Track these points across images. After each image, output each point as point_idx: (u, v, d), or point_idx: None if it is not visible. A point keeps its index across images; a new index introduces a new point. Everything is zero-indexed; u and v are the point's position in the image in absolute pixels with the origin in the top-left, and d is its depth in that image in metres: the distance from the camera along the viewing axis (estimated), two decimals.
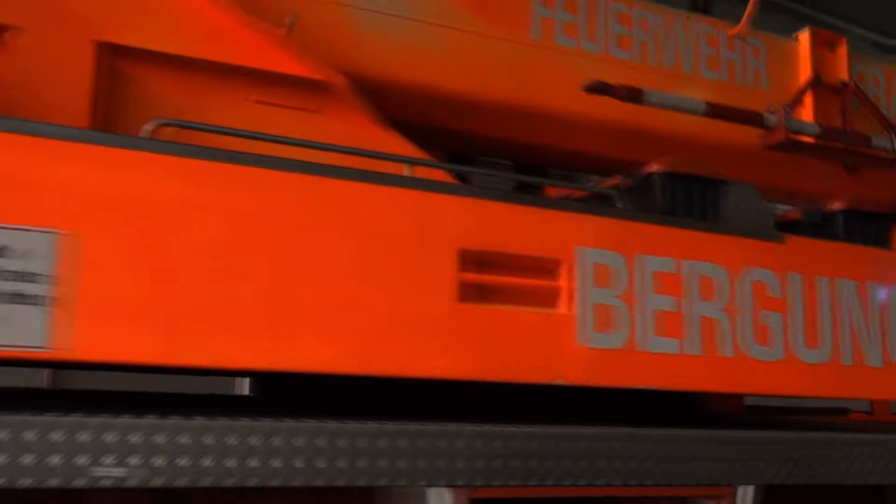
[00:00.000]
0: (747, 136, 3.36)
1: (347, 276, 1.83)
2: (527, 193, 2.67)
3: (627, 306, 2.11)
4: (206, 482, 1.55)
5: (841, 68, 3.68)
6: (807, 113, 3.55)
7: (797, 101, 3.50)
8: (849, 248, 2.51)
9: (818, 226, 2.82)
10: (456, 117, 3.07)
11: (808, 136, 3.36)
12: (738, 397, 3.32)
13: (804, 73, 3.63)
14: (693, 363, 2.17)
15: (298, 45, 2.60)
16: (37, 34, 2.32)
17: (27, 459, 1.43)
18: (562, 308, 2.05)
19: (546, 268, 2.06)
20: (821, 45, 3.68)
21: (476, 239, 1.96)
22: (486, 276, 1.97)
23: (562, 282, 2.05)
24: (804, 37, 3.68)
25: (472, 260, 1.95)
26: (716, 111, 3.16)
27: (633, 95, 2.99)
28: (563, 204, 2.12)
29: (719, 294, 2.24)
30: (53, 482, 1.45)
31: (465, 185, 2.22)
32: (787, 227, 2.99)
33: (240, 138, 2.09)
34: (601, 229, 2.12)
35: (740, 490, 2.13)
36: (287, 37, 2.58)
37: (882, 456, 2.24)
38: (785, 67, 3.63)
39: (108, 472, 1.51)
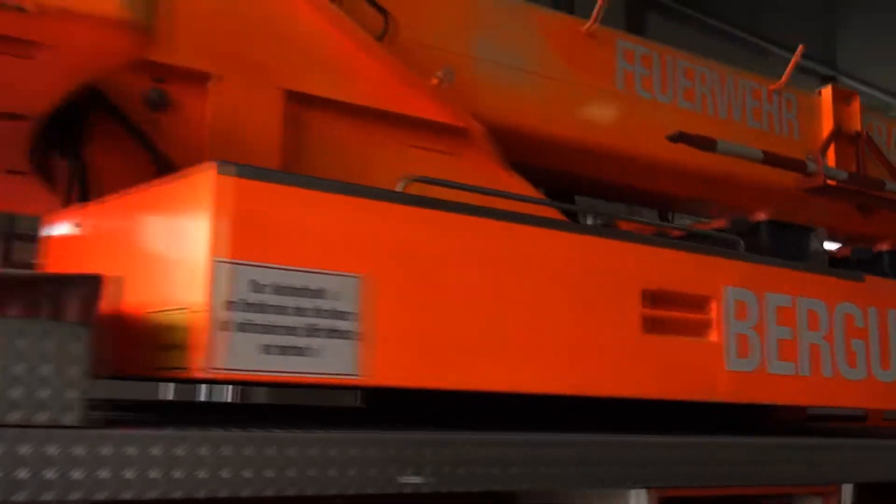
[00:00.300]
0: (786, 178, 3.86)
1: (559, 313, 2.17)
2: (674, 238, 3.03)
3: (759, 336, 2.52)
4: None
5: (855, 120, 4.24)
6: (830, 159, 4.09)
7: (825, 149, 4.02)
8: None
9: (866, 262, 3.31)
10: (553, 158, 3.44)
11: (839, 181, 3.88)
12: (802, 408, 3.80)
13: (826, 124, 4.17)
14: (804, 382, 2.61)
15: (440, 94, 2.92)
16: (234, 82, 2.56)
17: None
18: (713, 337, 2.44)
19: (699, 303, 2.45)
20: (839, 100, 4.23)
21: (654, 280, 2.33)
22: (660, 311, 2.34)
23: (713, 315, 2.45)
24: (826, 92, 4.22)
25: (651, 297, 2.32)
26: (769, 158, 3.64)
27: (708, 145, 3.43)
28: (715, 250, 2.51)
29: (821, 325, 2.68)
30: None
31: (644, 235, 2.58)
32: (839, 262, 3.50)
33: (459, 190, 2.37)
34: (740, 271, 2.53)
35: (844, 488, 2.57)
36: (437, 88, 2.89)
37: None
38: (811, 118, 4.16)
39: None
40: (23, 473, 1.46)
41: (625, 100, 3.54)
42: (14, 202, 3.10)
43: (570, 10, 8.71)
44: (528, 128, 3.30)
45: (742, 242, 2.67)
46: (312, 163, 2.71)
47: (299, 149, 2.68)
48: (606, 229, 2.52)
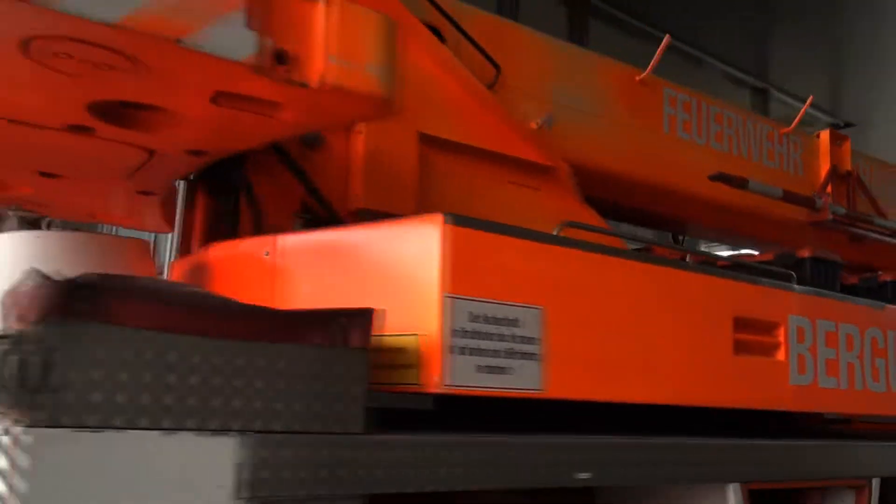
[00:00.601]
0: (796, 213, 4.43)
1: (680, 338, 2.62)
2: (733, 269, 3.51)
3: (812, 356, 3.03)
4: None
5: (847, 160, 4.85)
6: (826, 196, 4.68)
7: (825, 186, 4.61)
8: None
9: (873, 290, 3.89)
10: (608, 190, 3.89)
11: (838, 216, 4.48)
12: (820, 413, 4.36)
13: (824, 163, 4.76)
14: (843, 394, 3.13)
15: (537, 136, 3.34)
16: (378, 124, 2.91)
17: None
18: (780, 357, 2.94)
19: (771, 329, 2.94)
20: (834, 142, 4.83)
21: (742, 308, 2.81)
22: (746, 336, 2.81)
23: (780, 339, 2.94)
24: (824, 135, 4.82)
25: (740, 324, 2.79)
26: (786, 196, 4.20)
27: (742, 184, 3.95)
28: (781, 283, 3.00)
29: (855, 346, 3.22)
30: None
31: (735, 272, 3.05)
32: (847, 289, 4.07)
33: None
34: (799, 301, 3.03)
35: (874, 481, 3.12)
36: (536, 131, 3.31)
37: None
38: (812, 158, 4.75)
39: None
40: (323, 472, 1.82)
41: (670, 141, 4.02)
42: (138, 220, 3.34)
43: (514, 15, 9.14)
44: (595, 165, 3.74)
45: (795, 276, 3.18)
46: (433, 196, 3.08)
47: (427, 184, 3.05)
48: (711, 268, 2.96)
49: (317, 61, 1.96)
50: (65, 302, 1.55)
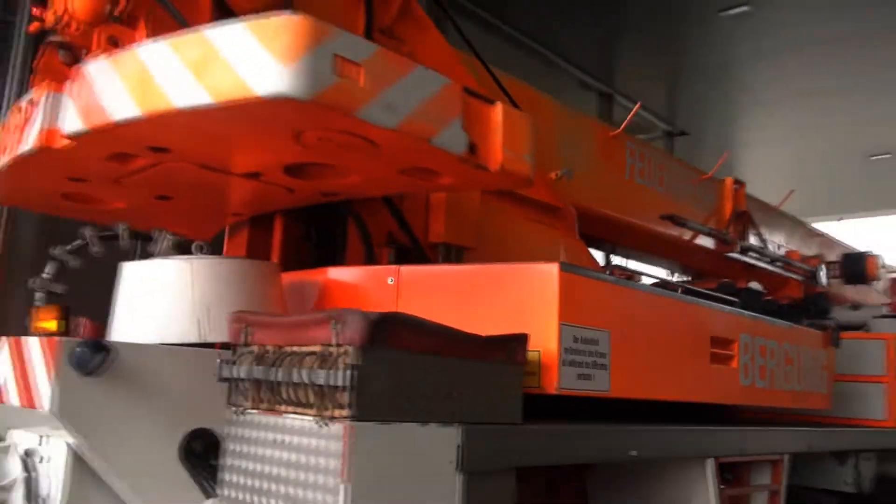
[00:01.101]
0: (710, 244, 5.55)
1: (684, 351, 3.54)
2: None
3: (752, 364, 4.07)
4: None
5: (742, 202, 6.06)
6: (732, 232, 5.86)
7: (730, 224, 5.78)
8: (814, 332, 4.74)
9: (775, 311, 5.05)
10: (593, 227, 4.78)
11: (742, 248, 5.65)
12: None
13: (728, 204, 5.93)
14: (769, 392, 4.21)
15: (554, 183, 4.17)
16: None
17: None
18: (734, 365, 3.95)
19: (729, 344, 3.94)
20: (735, 187, 6.02)
21: (715, 329, 3.78)
22: (716, 350, 3.79)
23: (734, 352, 3.95)
24: (728, 181, 5.98)
25: (713, 341, 3.77)
26: (710, 232, 5.29)
27: (683, 222, 4.99)
28: (735, 310, 4.02)
29: (776, 356, 4.31)
30: None
31: (712, 301, 3.99)
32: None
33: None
34: (745, 322, 4.07)
35: (786, 457, 4.23)
36: (554, 180, 4.13)
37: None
38: (719, 200, 5.90)
39: None
40: (502, 449, 2.55)
41: (630, 185, 4.98)
42: (195, 232, 3.77)
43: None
44: (585, 207, 4.61)
45: (741, 303, 4.22)
46: (482, 230, 3.83)
47: (479, 221, 3.79)
48: (701, 299, 3.88)
49: (496, 152, 2.66)
50: (371, 332, 2.19)
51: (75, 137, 2.62)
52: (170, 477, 2.58)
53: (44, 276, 3.02)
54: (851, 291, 7.55)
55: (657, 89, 13.63)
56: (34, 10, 3.73)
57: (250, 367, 2.42)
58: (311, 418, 2.22)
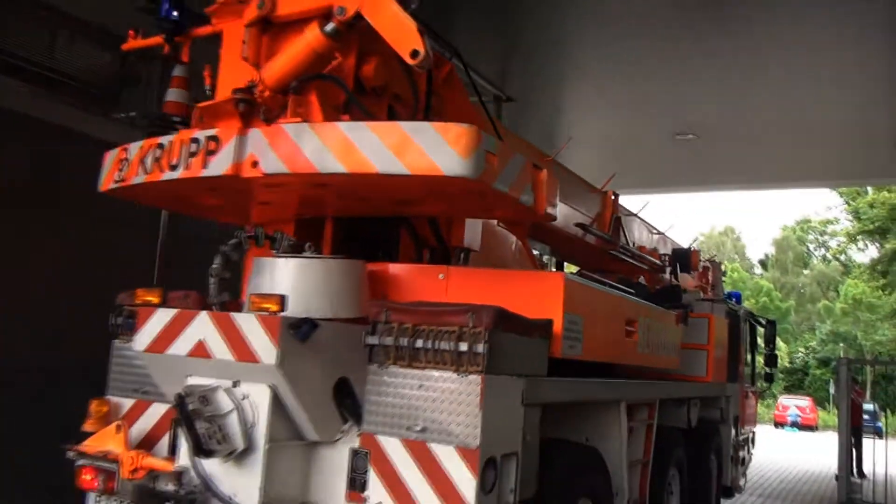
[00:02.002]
0: (599, 243, 7.31)
1: (620, 330, 5.22)
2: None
3: (644, 336, 5.86)
4: None
5: (616, 208, 7.87)
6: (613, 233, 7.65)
7: (610, 226, 7.57)
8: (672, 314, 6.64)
9: (650, 295, 6.90)
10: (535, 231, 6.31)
11: (619, 245, 7.47)
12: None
13: (608, 211, 7.71)
14: (653, 357, 6.03)
15: None
16: None
17: None
18: (636, 338, 5.70)
19: (633, 323, 5.68)
20: (613, 196, 7.81)
21: (628, 313, 5.50)
22: (628, 328, 5.51)
23: (636, 328, 5.70)
24: (610, 193, 7.75)
25: (627, 322, 5.48)
26: (606, 236, 7.04)
27: (589, 230, 6.67)
28: (638, 300, 5.75)
29: (655, 331, 6.13)
30: None
31: (628, 293, 5.64)
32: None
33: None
34: (643, 308, 5.83)
35: (657, 401, 6.12)
36: None
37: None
38: (603, 207, 7.66)
39: None
40: (539, 393, 4.07)
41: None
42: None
43: None
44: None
45: (642, 293, 5.99)
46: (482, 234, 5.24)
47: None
48: (623, 292, 5.53)
49: (542, 201, 4.11)
50: (496, 320, 3.58)
51: (267, 171, 3.74)
52: (326, 409, 3.82)
53: (214, 266, 4.05)
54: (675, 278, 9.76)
55: (491, 58, 13.19)
56: (131, 32, 4.68)
57: (395, 337, 3.71)
58: (450, 372, 3.58)
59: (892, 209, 41.43)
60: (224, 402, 3.67)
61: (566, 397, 4.47)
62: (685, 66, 11.85)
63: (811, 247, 56.22)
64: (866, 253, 48.34)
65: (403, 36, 3.48)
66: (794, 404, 37.57)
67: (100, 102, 7.29)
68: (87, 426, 4.53)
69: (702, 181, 19.45)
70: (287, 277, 4.01)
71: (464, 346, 3.56)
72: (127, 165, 4.31)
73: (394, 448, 3.63)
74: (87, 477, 4.31)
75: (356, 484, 3.72)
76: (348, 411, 3.87)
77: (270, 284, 4.01)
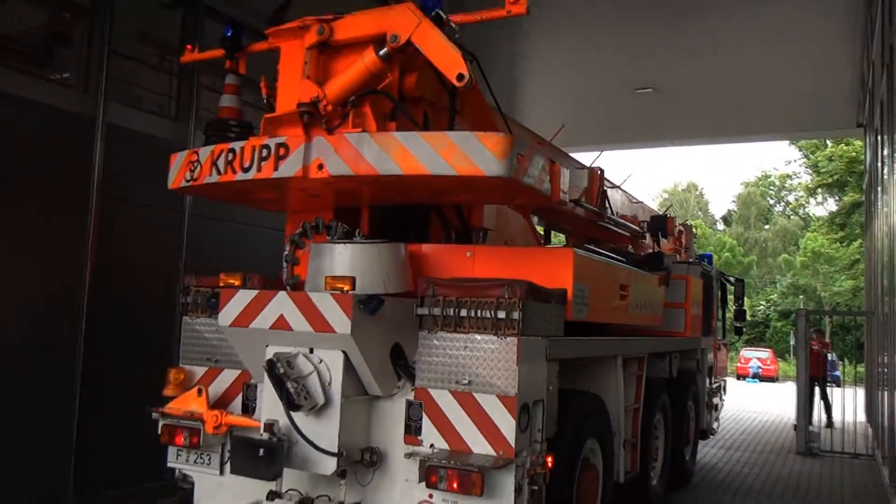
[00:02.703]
0: (590, 215, 8.12)
1: (612, 293, 6.06)
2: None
3: (635, 298, 6.72)
4: None
5: (603, 183, 8.67)
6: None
7: (598, 199, 8.38)
8: (656, 277, 7.52)
9: (638, 262, 7.75)
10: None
11: (606, 217, 8.29)
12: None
13: (595, 186, 8.50)
14: (641, 315, 6.91)
15: None
16: None
17: None
18: (627, 301, 6.56)
19: (626, 287, 6.54)
20: (598, 172, 8.61)
21: (622, 279, 6.34)
22: (622, 292, 6.35)
23: (629, 292, 6.56)
24: (596, 169, 8.55)
25: (621, 287, 6.33)
26: (593, 209, 7.85)
27: (583, 205, 7.48)
28: (628, 267, 6.60)
29: (643, 293, 7.00)
30: None
31: (622, 260, 6.47)
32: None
33: None
34: (633, 274, 6.68)
35: (647, 355, 7.02)
36: None
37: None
38: (591, 182, 8.44)
39: None
40: (556, 351, 4.91)
41: None
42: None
43: None
44: None
45: (626, 260, 6.83)
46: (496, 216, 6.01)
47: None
48: (622, 262, 6.35)
49: (556, 190, 4.89)
50: (525, 294, 4.38)
51: (333, 173, 4.47)
52: (385, 369, 4.61)
53: (286, 252, 4.78)
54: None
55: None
56: (188, 47, 5.34)
57: (442, 308, 4.49)
58: (490, 335, 4.38)
59: (849, 162, 42.91)
60: (305, 365, 4.45)
61: (577, 353, 5.32)
62: (644, 20, 11.86)
63: (771, 202, 57.80)
64: (825, 206, 50.03)
65: (450, 62, 4.21)
66: (756, 357, 38.65)
67: (32, 62, 7.29)
68: (167, 391, 5.27)
69: (662, 135, 19.46)
70: (345, 260, 4.75)
71: (502, 314, 4.36)
72: (199, 167, 4.99)
73: (443, 399, 4.43)
74: (173, 434, 5.08)
75: (412, 429, 4.53)
76: (402, 370, 4.66)
77: (330, 267, 4.75)
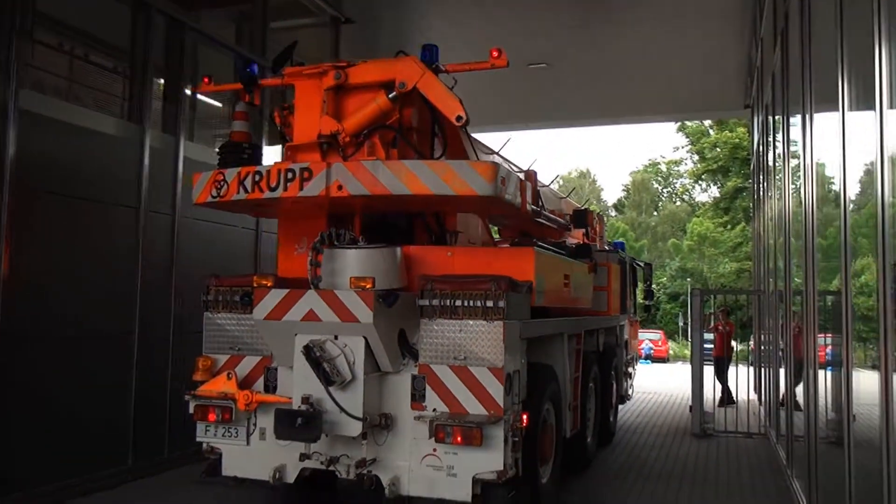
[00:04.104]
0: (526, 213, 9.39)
1: (558, 282, 7.33)
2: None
3: (572, 284, 8.04)
4: None
5: (536, 182, 9.95)
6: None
7: (535, 199, 9.64)
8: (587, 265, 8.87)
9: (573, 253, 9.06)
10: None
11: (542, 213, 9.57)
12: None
13: (532, 185, 9.78)
14: (578, 299, 8.23)
15: None
16: None
17: None
18: (569, 286, 7.87)
19: (568, 277, 7.83)
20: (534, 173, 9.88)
21: (566, 269, 7.63)
22: (565, 280, 7.64)
23: (569, 280, 7.86)
24: (531, 171, 9.82)
25: (564, 276, 7.61)
26: (534, 209, 9.11)
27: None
28: (569, 259, 7.89)
29: (578, 279, 8.32)
30: None
31: (564, 253, 7.73)
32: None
33: None
34: (573, 265, 7.99)
35: (583, 332, 8.37)
36: None
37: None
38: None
39: None
40: (527, 332, 6.15)
41: None
42: None
43: None
44: None
45: (566, 253, 8.13)
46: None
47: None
48: (563, 255, 7.61)
49: (525, 203, 6.10)
50: (507, 287, 5.56)
51: (352, 193, 5.50)
52: (394, 350, 5.69)
53: (310, 258, 5.76)
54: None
55: None
56: (205, 78, 6.26)
57: (440, 300, 5.61)
58: (481, 320, 5.53)
59: (733, 148, 45.92)
60: (333, 349, 5.48)
61: (539, 332, 6.56)
62: None
63: (660, 188, 61.19)
64: (709, 193, 53.50)
65: (450, 105, 5.32)
66: (648, 338, 38.93)
67: None
68: (197, 377, 6.17)
69: (556, 115, 19.41)
70: (354, 262, 5.79)
71: (490, 303, 5.53)
72: (225, 186, 5.91)
73: (443, 372, 5.57)
74: (205, 412, 6.00)
75: (417, 397, 5.64)
76: (407, 351, 5.76)
77: (342, 268, 5.79)
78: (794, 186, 8.23)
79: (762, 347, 13.84)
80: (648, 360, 37.41)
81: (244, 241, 10.11)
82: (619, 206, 62.40)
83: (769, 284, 11.92)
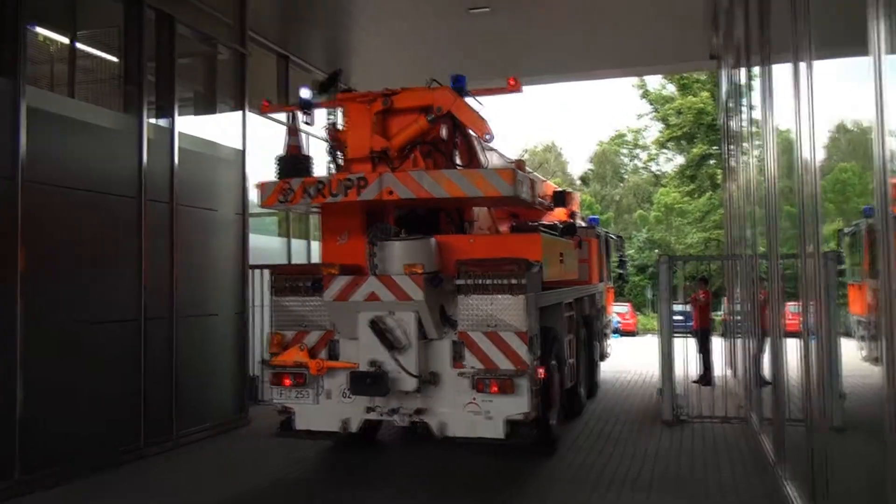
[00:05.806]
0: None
1: (555, 259, 8.79)
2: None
3: (563, 259, 9.51)
4: None
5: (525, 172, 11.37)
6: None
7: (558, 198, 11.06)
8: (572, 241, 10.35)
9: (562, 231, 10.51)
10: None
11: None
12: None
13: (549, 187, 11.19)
14: (567, 272, 9.72)
15: None
16: None
17: None
18: (561, 262, 9.34)
19: (561, 255, 9.31)
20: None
21: (559, 248, 9.10)
22: (559, 258, 9.11)
23: (561, 256, 9.32)
24: (524, 163, 11.21)
25: (560, 254, 9.08)
26: (544, 201, 10.54)
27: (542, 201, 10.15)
28: (559, 238, 9.35)
29: (567, 254, 9.80)
30: None
31: (553, 233, 9.18)
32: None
33: None
34: (564, 243, 9.46)
35: (573, 300, 9.88)
36: None
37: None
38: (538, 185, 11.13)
39: None
40: (542, 300, 7.62)
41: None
42: None
43: None
44: None
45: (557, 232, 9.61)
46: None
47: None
48: (558, 236, 9.05)
49: (534, 198, 7.54)
50: (528, 266, 7.00)
51: (402, 197, 6.88)
52: (437, 321, 7.10)
53: (367, 249, 7.11)
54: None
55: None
56: (265, 101, 7.60)
57: (474, 279, 7.02)
58: (507, 295, 6.97)
59: (697, 114, 44.99)
60: (392, 322, 6.88)
61: (547, 302, 8.03)
62: None
63: (625, 160, 62.34)
64: (674, 162, 54.00)
65: (479, 126, 6.71)
66: (616, 311, 35.78)
67: None
68: (272, 349, 7.52)
69: (503, 71, 15.03)
70: (402, 251, 7.17)
71: (514, 281, 6.97)
72: (291, 193, 7.23)
73: (478, 337, 7.00)
74: (280, 378, 7.37)
75: (457, 358, 7.08)
76: (447, 322, 7.17)
77: (392, 256, 7.16)
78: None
79: (737, 318, 12.31)
80: (617, 335, 31.59)
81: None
82: (585, 179, 63.74)
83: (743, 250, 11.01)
